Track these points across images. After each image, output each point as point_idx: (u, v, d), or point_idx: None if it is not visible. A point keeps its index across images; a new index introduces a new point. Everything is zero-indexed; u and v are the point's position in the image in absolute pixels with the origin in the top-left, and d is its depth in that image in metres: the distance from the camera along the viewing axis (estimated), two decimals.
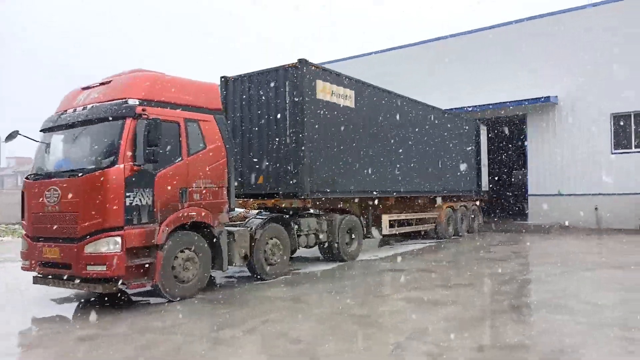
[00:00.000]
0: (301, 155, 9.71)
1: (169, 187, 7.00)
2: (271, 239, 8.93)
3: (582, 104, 18.69)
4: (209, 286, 8.08)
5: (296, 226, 9.60)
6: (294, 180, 9.80)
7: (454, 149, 16.33)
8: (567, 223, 18.22)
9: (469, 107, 19.69)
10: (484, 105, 19.46)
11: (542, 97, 18.58)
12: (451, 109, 19.34)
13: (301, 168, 9.70)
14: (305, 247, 10.14)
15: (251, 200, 10.38)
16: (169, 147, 7.09)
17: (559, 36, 19.11)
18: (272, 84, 10.25)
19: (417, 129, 14.09)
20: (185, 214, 7.20)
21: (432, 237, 15.49)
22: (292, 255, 11.76)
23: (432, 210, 15.32)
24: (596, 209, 17.90)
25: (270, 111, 10.26)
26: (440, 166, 15.26)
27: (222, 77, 11.07)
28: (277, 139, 10.12)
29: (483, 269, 9.56)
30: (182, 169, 7.22)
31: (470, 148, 17.74)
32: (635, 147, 17.74)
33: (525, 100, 18.83)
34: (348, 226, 10.99)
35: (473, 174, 17.93)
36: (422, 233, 15.41)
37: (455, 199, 16.67)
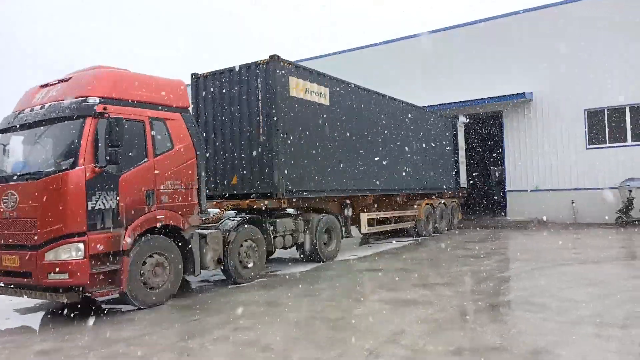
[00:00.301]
0: (274, 154, 9.49)
1: (135, 190, 6.70)
2: (246, 241, 8.67)
3: (557, 100, 18.83)
4: (183, 291, 7.81)
5: (271, 227, 9.36)
6: (268, 180, 9.58)
7: (432, 146, 16.26)
8: (545, 218, 18.35)
9: (448, 103, 19.68)
10: (462, 102, 19.47)
11: (517, 94, 18.66)
12: (431, 106, 19.33)
13: (275, 167, 9.48)
14: (282, 248, 9.93)
15: (225, 201, 10.11)
16: (133, 148, 6.79)
17: (533, 33, 19.22)
18: (244, 81, 9.99)
19: (395, 126, 13.96)
20: (153, 217, 6.90)
21: (412, 234, 15.41)
22: (271, 257, 11.64)
23: (411, 208, 15.23)
24: (573, 203, 18.05)
25: (242, 109, 10.00)
26: (418, 163, 15.18)
27: (192, 74, 10.77)
28: (250, 138, 9.87)
29: (461, 266, 9.46)
30: (148, 170, 6.93)
31: (448, 145, 17.72)
32: (610, 142, 17.94)
33: (501, 97, 18.88)
34: (326, 226, 10.79)
35: (451, 171, 17.93)
36: (402, 231, 15.35)
37: (434, 196, 16.63)
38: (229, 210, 10.08)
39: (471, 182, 23.25)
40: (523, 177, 19.69)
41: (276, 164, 9.47)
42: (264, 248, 9.11)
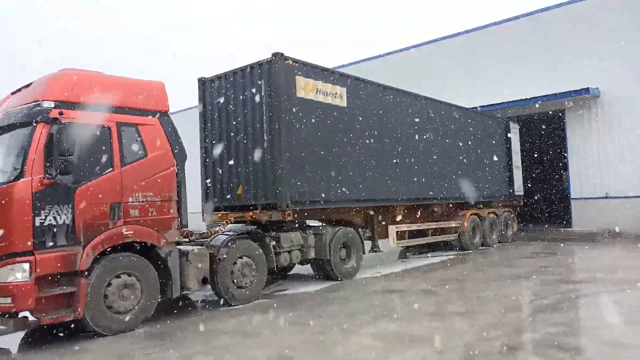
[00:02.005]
0: (277, 161, 8.58)
1: (95, 203, 6.00)
2: (241, 258, 7.78)
3: (629, 96, 16.51)
4: (167, 314, 7.05)
5: (273, 242, 8.41)
6: (271, 190, 8.68)
7: (479, 150, 14.68)
8: (617, 229, 16.03)
9: (498, 103, 17.89)
10: (515, 101, 17.61)
11: (579, 90, 16.55)
12: (480, 107, 17.70)
13: (278, 175, 8.56)
14: (289, 265, 8.95)
15: (231, 213, 9.31)
16: (96, 156, 6.12)
17: (600, 22, 17.05)
18: (247, 83, 9.20)
19: (432, 130, 12.61)
20: (117, 234, 6.18)
21: (456, 248, 13.90)
22: (289, 273, 10.72)
23: (454, 219, 13.74)
24: None
25: (247, 113, 9.19)
26: (462, 170, 13.67)
27: (199, 79, 10.11)
28: (254, 145, 9.03)
29: (496, 290, 8.01)
30: (113, 181, 6.22)
31: (499, 149, 16.00)
32: None
33: (561, 93, 16.85)
34: (342, 240, 9.69)
35: (504, 178, 16.16)
36: (446, 244, 13.89)
37: (481, 206, 14.99)
38: (233, 223, 9.30)
39: (533, 190, 21.15)
40: (590, 183, 17.45)
41: (279, 172, 8.55)
42: (265, 266, 8.17)
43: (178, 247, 7.10)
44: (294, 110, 8.89)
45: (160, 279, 6.71)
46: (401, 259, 12.80)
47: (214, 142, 9.78)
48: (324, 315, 6.81)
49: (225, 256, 7.46)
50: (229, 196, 9.43)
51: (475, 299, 7.42)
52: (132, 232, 6.29)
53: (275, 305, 7.66)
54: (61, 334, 6.24)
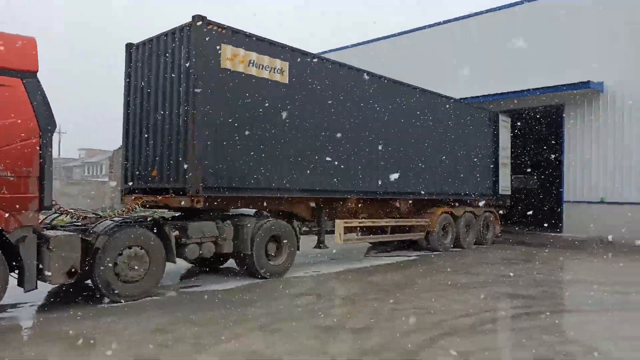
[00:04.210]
0: (190, 140, 7.52)
1: None
2: (129, 248, 6.75)
3: (634, 92, 14.99)
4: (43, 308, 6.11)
5: (176, 232, 7.36)
6: (182, 173, 7.64)
7: (458, 143, 13.39)
8: (610, 238, 14.60)
9: (492, 95, 16.51)
10: (508, 93, 16.21)
11: (579, 83, 15.09)
12: (474, 98, 16.38)
13: (189, 156, 7.51)
14: (197, 259, 7.92)
15: (145, 197, 8.30)
16: None
17: (604, 11, 15.48)
18: (169, 51, 8.13)
19: (399, 118, 11.40)
20: None
21: (425, 248, 12.72)
22: (222, 266, 9.72)
23: (422, 217, 12.55)
24: None
25: (166, 85, 8.15)
26: (433, 164, 12.43)
27: (127, 45, 9.07)
28: (170, 120, 8.00)
29: (424, 301, 6.87)
30: None
31: (484, 143, 14.66)
32: None
33: (560, 86, 15.40)
34: (271, 233, 8.61)
35: (487, 175, 14.83)
36: (415, 243, 12.71)
37: (457, 204, 13.72)
38: (147, 208, 8.33)
39: (520, 189, 19.77)
40: (586, 185, 16.02)
41: (190, 153, 7.50)
42: (163, 258, 7.14)
43: (47, 232, 6.13)
44: (216, 82, 7.80)
45: (16, 269, 5.77)
46: (366, 257, 11.68)
47: (136, 116, 8.78)
48: (199, 322, 5.75)
49: (105, 245, 6.46)
50: (144, 178, 8.44)
51: (390, 311, 6.29)
52: None
53: (164, 303, 6.66)
54: None
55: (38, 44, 6.02)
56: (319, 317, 6.01)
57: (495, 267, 10.32)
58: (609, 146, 15.54)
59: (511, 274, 9.22)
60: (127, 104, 8.96)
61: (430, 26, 20.05)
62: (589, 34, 15.72)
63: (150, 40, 8.53)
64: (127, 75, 8.97)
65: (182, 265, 9.44)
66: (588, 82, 15.01)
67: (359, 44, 22.06)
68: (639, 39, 14.78)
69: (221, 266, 9.74)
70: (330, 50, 22.26)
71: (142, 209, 8.36)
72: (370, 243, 13.36)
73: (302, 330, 5.47)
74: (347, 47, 22.34)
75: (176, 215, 8.67)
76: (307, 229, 10.32)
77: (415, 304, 6.71)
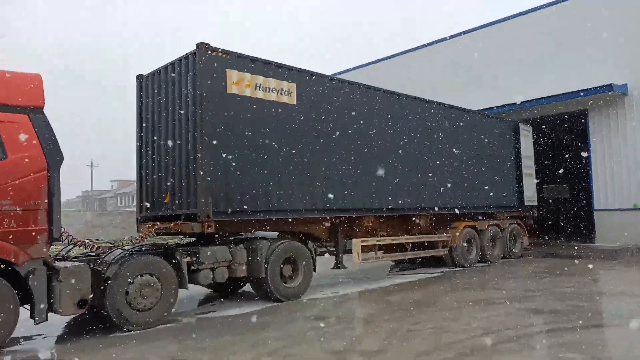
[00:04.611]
0: (199, 166, 7.54)
1: None
2: (140, 276, 6.75)
3: None
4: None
5: (187, 258, 7.32)
6: (193, 198, 7.65)
7: (479, 155, 13.10)
8: None
9: (510, 105, 16.16)
10: (528, 101, 15.82)
11: (602, 86, 14.63)
12: (490, 109, 16.09)
13: (199, 182, 7.52)
14: (210, 284, 7.85)
15: (160, 224, 8.34)
16: None
17: (626, 10, 15.08)
18: (176, 79, 8.25)
19: (415, 133, 11.24)
20: None
21: (450, 264, 12.36)
22: (240, 290, 9.65)
23: (443, 232, 12.24)
24: None
25: (175, 112, 8.25)
26: (453, 178, 12.16)
27: (137, 76, 9.26)
28: (180, 147, 8.06)
29: (443, 321, 6.61)
30: None
31: (506, 154, 14.30)
32: None
33: (581, 91, 14.96)
34: (286, 255, 8.50)
35: (511, 186, 14.42)
36: (440, 260, 12.38)
37: (481, 217, 13.35)
38: (162, 235, 8.36)
39: (550, 201, 19.17)
40: (617, 192, 15.39)
41: (199, 179, 7.51)
42: (175, 285, 7.10)
43: (57, 264, 6.18)
44: (223, 107, 7.85)
45: (27, 301, 5.81)
46: (388, 276, 11.42)
47: (148, 146, 8.89)
48: (209, 348, 5.65)
49: (115, 274, 6.46)
50: (158, 205, 8.50)
51: (406, 332, 6.05)
52: None
53: (177, 330, 6.59)
54: None
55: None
56: (332, 340, 5.83)
57: (521, 282, 9.92)
58: (637, 149, 14.95)
59: (536, 289, 8.84)
60: (140, 134, 9.10)
61: (445, 39, 19.92)
62: (609, 36, 15.30)
63: (159, 70, 8.68)
64: (139, 106, 9.13)
65: (200, 291, 9.43)
66: (610, 85, 14.54)
67: (371, 62, 22.10)
68: None
69: (240, 290, 9.66)
70: (346, 71, 22.34)
71: (155, 236, 8.37)
72: (394, 261, 13.10)
73: (314, 354, 5.31)
74: (360, 66, 22.37)
75: (192, 241, 8.67)
76: (325, 249, 10.19)
77: (434, 323, 6.46)
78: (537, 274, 10.96)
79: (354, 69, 22.50)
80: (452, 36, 19.69)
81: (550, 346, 5.23)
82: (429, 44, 20.45)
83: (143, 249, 7.14)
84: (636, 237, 14.34)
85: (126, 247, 7.03)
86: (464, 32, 19.32)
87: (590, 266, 11.70)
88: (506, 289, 8.99)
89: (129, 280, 6.63)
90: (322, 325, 6.62)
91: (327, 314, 7.33)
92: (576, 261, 12.87)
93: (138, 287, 6.69)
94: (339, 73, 21.63)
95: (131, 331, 6.56)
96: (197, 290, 9.24)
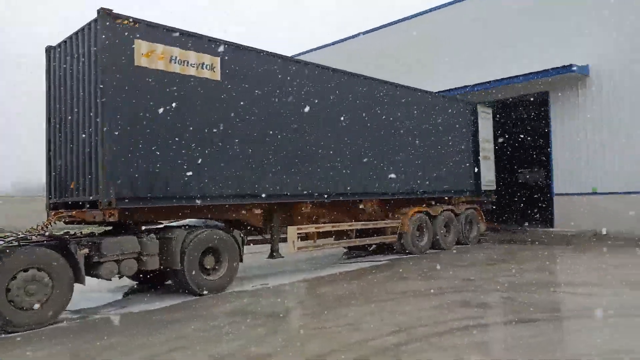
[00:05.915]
0: (100, 145, 6.81)
1: None
2: (25, 271, 6.03)
3: (623, 76, 14.02)
4: None
5: (85, 249, 6.61)
6: (94, 184, 6.93)
7: (431, 137, 12.55)
8: (604, 231, 13.62)
9: (472, 85, 15.63)
10: (485, 82, 15.31)
11: (562, 67, 14.15)
12: (453, 90, 15.57)
13: (100, 164, 6.79)
14: (114, 277, 7.12)
15: (66, 211, 7.59)
16: None
17: None
18: (82, 50, 7.44)
19: (357, 113, 10.59)
20: None
21: (400, 251, 11.86)
22: (167, 282, 8.96)
23: (393, 218, 11.71)
24: None
25: (79, 88, 7.46)
26: (402, 161, 11.60)
27: (46, 48, 8.40)
28: (83, 126, 7.29)
29: (363, 315, 6.06)
30: None
31: (462, 136, 13.79)
32: None
33: (541, 72, 14.48)
34: (205, 245, 7.82)
35: (467, 170, 13.94)
36: (390, 247, 11.89)
37: (434, 202, 12.86)
38: (68, 223, 7.62)
39: (508, 183, 18.80)
40: (575, 177, 15.03)
41: (100, 161, 6.78)
42: (69, 280, 6.40)
43: None
44: (129, 81, 7.07)
45: None
46: (333, 264, 10.85)
47: (56, 125, 8.09)
48: (82, 354, 5.00)
49: None
50: (65, 191, 7.75)
51: (313, 330, 5.48)
52: None
53: (63, 332, 5.91)
54: None
55: None
56: (228, 341, 5.23)
57: (464, 269, 9.45)
58: (596, 133, 14.57)
59: (478, 278, 8.36)
60: (48, 111, 8.28)
61: (406, 19, 19.26)
62: (572, 16, 14.81)
63: (65, 41, 7.85)
64: (48, 82, 8.29)
65: (125, 283, 8.77)
66: (571, 65, 14.08)
67: (335, 42, 21.34)
68: (625, 18, 13.82)
69: (167, 282, 9.00)
70: (309, 51, 21.57)
71: (56, 224, 7.58)
72: (346, 248, 12.58)
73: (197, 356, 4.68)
74: (323, 46, 21.61)
75: (107, 230, 7.94)
76: (261, 237, 9.57)
77: (350, 319, 5.89)
78: (485, 261, 10.52)
79: (317, 48, 21.74)
80: (420, 13, 19.03)
81: (457, 347, 4.68)
82: (398, 21, 19.76)
83: (33, 239, 6.39)
84: (594, 222, 14.02)
85: (9, 239, 6.27)
86: (431, 10, 18.67)
87: (544, 253, 11.33)
88: (446, 278, 8.51)
89: (10, 275, 5.90)
90: (226, 323, 6.00)
91: (240, 310, 6.71)
92: (530, 247, 12.51)
93: (22, 284, 5.97)
94: (303, 53, 20.83)
95: (14, 333, 5.86)
96: (122, 282, 8.61)
